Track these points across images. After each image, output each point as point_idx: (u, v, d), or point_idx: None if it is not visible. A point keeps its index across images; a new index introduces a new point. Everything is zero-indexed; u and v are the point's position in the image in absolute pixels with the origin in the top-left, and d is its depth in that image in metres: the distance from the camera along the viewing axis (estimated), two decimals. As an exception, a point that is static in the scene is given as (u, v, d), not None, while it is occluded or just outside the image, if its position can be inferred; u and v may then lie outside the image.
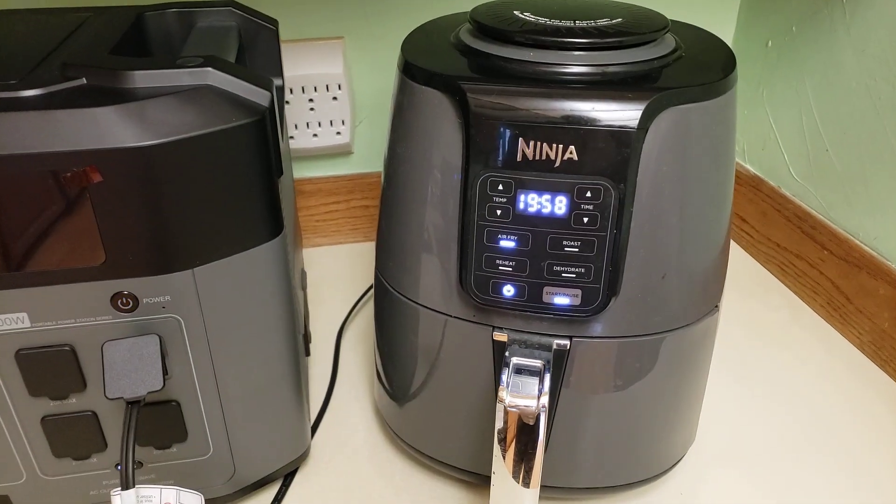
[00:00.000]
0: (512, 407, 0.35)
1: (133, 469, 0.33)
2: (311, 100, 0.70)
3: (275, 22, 0.50)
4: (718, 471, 0.49)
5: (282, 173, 0.39)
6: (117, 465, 0.41)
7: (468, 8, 0.70)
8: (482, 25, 0.39)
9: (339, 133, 0.73)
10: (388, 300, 0.43)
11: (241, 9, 0.49)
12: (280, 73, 0.53)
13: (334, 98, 0.71)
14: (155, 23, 0.47)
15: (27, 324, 0.35)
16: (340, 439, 0.52)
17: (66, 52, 0.39)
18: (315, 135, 0.72)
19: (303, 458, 0.48)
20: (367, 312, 0.66)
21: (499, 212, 0.35)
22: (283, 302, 0.41)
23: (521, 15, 0.39)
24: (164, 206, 0.34)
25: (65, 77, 0.35)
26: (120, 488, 0.33)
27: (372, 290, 0.68)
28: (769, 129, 0.72)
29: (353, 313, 0.66)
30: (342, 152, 0.75)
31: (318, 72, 0.69)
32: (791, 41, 0.68)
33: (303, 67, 0.68)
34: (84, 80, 0.35)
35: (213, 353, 0.39)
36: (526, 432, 0.35)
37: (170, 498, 0.34)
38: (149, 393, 0.35)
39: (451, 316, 0.40)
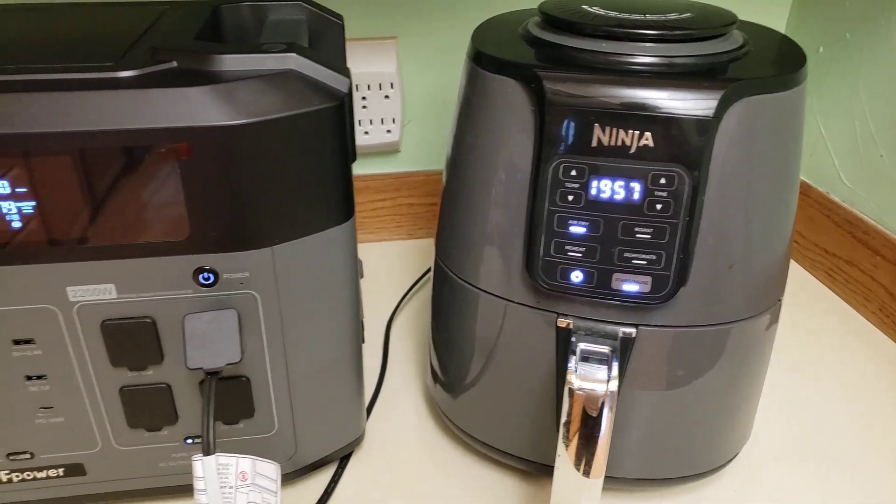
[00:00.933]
0: (580, 392, 0.36)
1: (214, 436, 0.35)
2: (363, 98, 0.72)
3: (340, 17, 0.51)
4: (772, 470, 0.49)
5: (355, 158, 0.40)
6: (186, 438, 0.43)
7: (523, 7, 0.71)
8: (553, 18, 0.40)
9: (389, 131, 0.74)
10: (449, 287, 0.44)
11: (309, 3, 0.50)
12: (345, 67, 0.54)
13: (386, 97, 0.72)
14: (230, 15, 0.49)
15: (114, 295, 0.37)
16: (392, 425, 0.53)
17: (153, 38, 0.40)
18: (366, 132, 0.74)
19: (358, 441, 0.49)
20: (414, 305, 0.67)
21: (570, 197, 0.36)
22: (350, 284, 0.42)
23: (590, 9, 0.40)
24: (248, 184, 0.35)
25: (156, 60, 0.37)
26: (201, 454, 0.34)
27: (418, 284, 0.70)
28: (818, 136, 0.72)
29: (401, 306, 0.67)
30: (390, 150, 0.77)
31: (372, 70, 0.70)
32: (845, 48, 0.68)
33: (356, 66, 0.70)
34: (175, 63, 0.36)
35: (284, 330, 0.40)
36: (593, 419, 0.36)
37: (246, 467, 0.35)
38: (227, 365, 0.36)
39: (513, 302, 0.41)
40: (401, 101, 0.73)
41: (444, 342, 0.47)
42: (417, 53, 0.72)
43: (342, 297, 0.42)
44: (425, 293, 0.69)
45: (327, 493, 0.46)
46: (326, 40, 0.51)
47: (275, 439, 0.44)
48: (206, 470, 0.34)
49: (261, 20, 0.50)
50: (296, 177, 0.36)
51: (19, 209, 0.34)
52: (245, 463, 0.35)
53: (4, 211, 0.34)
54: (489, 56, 0.39)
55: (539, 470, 0.46)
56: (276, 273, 0.38)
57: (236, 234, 0.36)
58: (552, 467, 0.45)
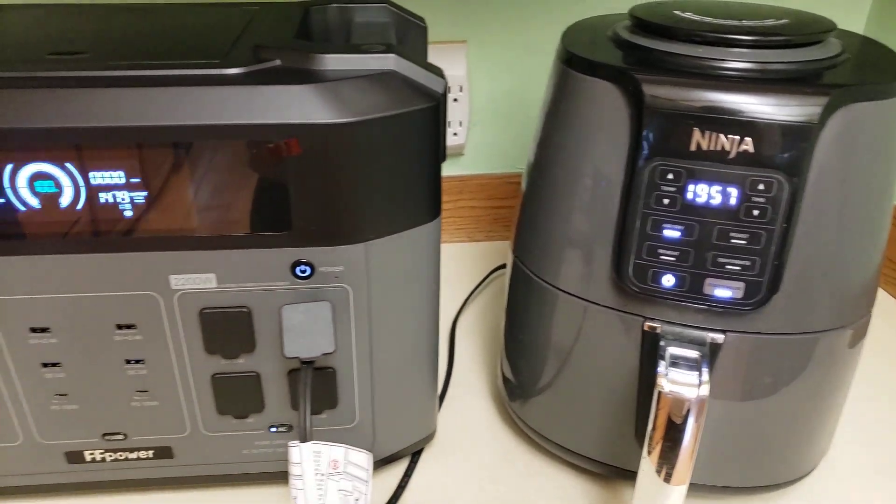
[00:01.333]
0: (671, 396, 0.36)
1: (311, 423, 0.36)
2: (432, 100, 0.72)
3: (423, 20, 0.52)
4: (849, 485, 0.48)
5: (445, 158, 0.41)
6: (271, 426, 0.44)
7: (588, 10, 0.71)
8: (646, 22, 0.40)
9: (455, 134, 0.75)
10: (529, 288, 0.45)
11: (394, 6, 0.52)
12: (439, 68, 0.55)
13: (455, 100, 0.73)
14: (318, 16, 0.50)
15: (214, 284, 0.38)
16: (461, 424, 0.53)
17: (252, 37, 0.42)
18: (433, 134, 0.74)
19: (429, 438, 0.50)
20: (476, 308, 0.68)
21: (666, 201, 0.36)
22: (433, 282, 0.43)
23: (682, 14, 0.41)
24: (349, 181, 0.36)
25: (260, 58, 0.38)
26: (298, 441, 0.35)
27: (481, 286, 0.70)
28: None
29: (465, 307, 0.68)
30: (455, 153, 0.78)
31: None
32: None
33: (427, 68, 0.71)
34: (278, 62, 0.38)
35: (372, 324, 0.41)
36: (682, 424, 0.36)
37: (337, 455, 0.36)
38: (322, 354, 0.38)
39: (597, 304, 0.41)
40: (468, 105, 0.73)
41: (519, 343, 0.48)
42: (486, 58, 0.73)
43: (425, 294, 0.43)
44: (486, 295, 0.70)
45: (402, 486, 0.47)
46: (410, 43, 0.52)
47: (354, 431, 0.45)
48: (303, 456, 0.35)
49: (346, 21, 0.51)
50: (392, 175, 0.37)
51: (132, 199, 0.36)
52: (337, 451, 0.36)
53: (118, 200, 0.36)
54: (582, 58, 0.40)
55: (613, 473, 0.46)
56: (369, 268, 0.39)
57: (334, 229, 0.38)
58: (627, 471, 0.45)
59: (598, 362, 0.43)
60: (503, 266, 0.72)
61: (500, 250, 0.77)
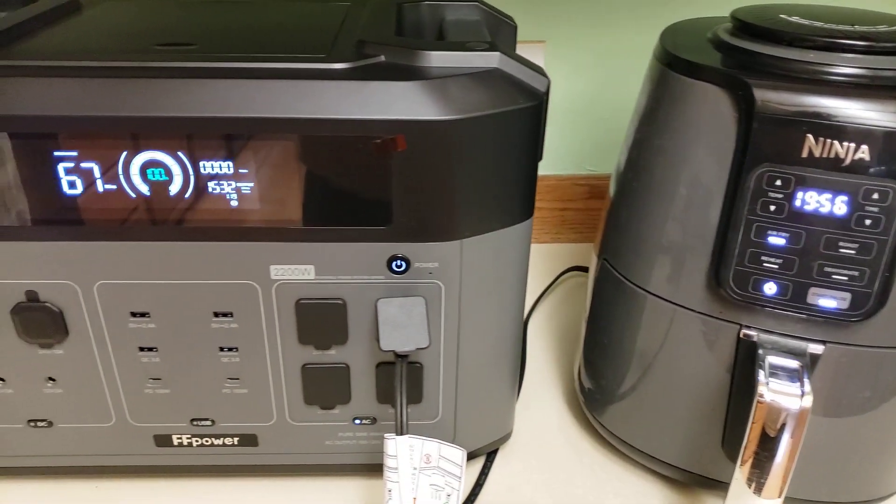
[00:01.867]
0: (772, 407, 0.35)
1: (407, 417, 0.36)
2: (504, 99, 0.73)
3: (512, 19, 0.53)
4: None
5: (542, 157, 0.41)
6: (355, 419, 0.44)
7: (674, 18, 0.70)
8: (751, 25, 0.39)
9: (525, 133, 0.75)
10: (618, 291, 0.45)
11: (485, 5, 0.52)
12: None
13: (527, 99, 0.73)
14: (410, 13, 0.51)
15: (312, 276, 0.39)
16: (535, 425, 0.53)
17: (353, 32, 0.43)
18: (504, 133, 0.75)
19: (506, 438, 0.50)
20: (545, 309, 0.68)
21: (773, 207, 0.36)
22: (521, 281, 0.43)
23: (790, 18, 0.40)
24: (451, 178, 0.37)
25: (364, 54, 0.39)
26: (394, 434, 0.36)
27: (552, 286, 0.70)
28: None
29: (535, 308, 0.68)
30: (523, 153, 0.78)
31: (516, 72, 0.71)
32: None
33: (502, 67, 0.71)
34: (382, 58, 0.38)
35: (461, 321, 0.42)
36: (780, 435, 0.36)
37: (431, 450, 0.37)
38: (416, 349, 0.38)
39: (692, 310, 0.41)
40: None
41: (602, 346, 0.48)
42: (564, 58, 0.72)
43: (513, 293, 0.43)
44: (555, 297, 0.69)
45: (479, 484, 0.48)
46: (499, 42, 0.53)
47: (436, 427, 0.45)
48: (399, 449, 0.36)
49: (438, 19, 0.52)
50: (492, 173, 0.38)
51: (238, 189, 0.37)
52: (430, 446, 0.37)
53: (225, 190, 0.37)
54: (685, 60, 0.39)
55: (695, 481, 0.46)
56: (462, 265, 0.40)
57: (432, 226, 0.38)
58: (710, 479, 0.45)
59: (686, 368, 0.43)
60: (574, 269, 0.71)
61: (568, 252, 0.76)
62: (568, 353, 0.61)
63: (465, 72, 0.37)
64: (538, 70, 0.39)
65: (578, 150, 0.77)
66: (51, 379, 0.42)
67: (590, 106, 0.75)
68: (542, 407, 0.55)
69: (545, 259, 0.77)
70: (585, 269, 0.71)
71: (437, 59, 0.38)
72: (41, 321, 0.40)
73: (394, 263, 0.39)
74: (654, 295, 0.42)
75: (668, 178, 0.40)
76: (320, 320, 0.40)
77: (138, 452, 0.46)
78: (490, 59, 0.38)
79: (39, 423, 0.44)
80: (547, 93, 0.39)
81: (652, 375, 0.44)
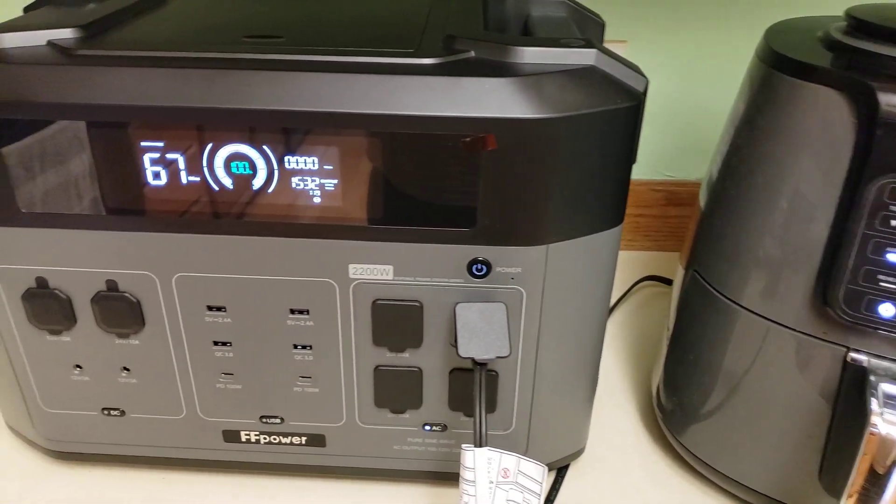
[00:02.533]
0: (886, 439, 0.33)
1: (486, 428, 0.35)
2: (581, 99, 0.71)
3: (600, 17, 0.51)
4: None
5: (635, 160, 0.39)
6: (425, 424, 0.44)
7: (762, 20, 0.67)
8: (872, 24, 0.37)
9: (601, 135, 0.73)
10: (709, 306, 0.43)
11: (573, 2, 0.50)
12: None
13: (605, 100, 0.71)
14: (494, 7, 0.50)
15: (390, 276, 0.38)
16: (609, 441, 0.51)
17: (439, 27, 0.42)
18: (579, 135, 0.73)
19: (578, 454, 0.48)
20: (618, 318, 0.66)
21: (894, 223, 0.33)
22: (606, 291, 0.42)
23: (913, 18, 0.37)
24: (541, 180, 0.35)
25: (453, 49, 0.38)
26: (472, 445, 0.35)
27: (626, 295, 0.68)
28: None
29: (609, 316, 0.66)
30: (598, 156, 0.76)
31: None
32: None
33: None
34: (472, 53, 0.37)
35: (541, 329, 0.40)
36: (893, 471, 0.33)
37: (509, 464, 0.35)
38: (497, 357, 0.37)
39: (793, 329, 0.38)
40: (619, 106, 0.71)
41: (686, 362, 0.46)
42: (643, 59, 0.70)
43: (597, 303, 0.42)
44: (628, 307, 0.67)
45: (549, 500, 0.46)
46: (584, 38, 0.51)
47: (508, 439, 0.44)
48: (477, 461, 0.34)
49: (523, 15, 0.50)
50: (584, 176, 0.36)
51: (322, 185, 0.36)
52: (509, 460, 0.35)
53: (308, 186, 0.36)
54: (795, 61, 0.37)
55: (785, 512, 0.43)
56: (546, 271, 0.38)
57: (518, 229, 0.37)
58: (801, 512, 0.42)
59: (780, 390, 0.40)
60: (649, 278, 0.69)
61: (642, 261, 0.74)
62: (643, 366, 0.59)
63: (560, 69, 0.36)
64: (635, 69, 0.38)
65: (656, 154, 0.75)
66: (125, 369, 0.43)
67: (670, 109, 0.73)
68: (616, 422, 0.53)
69: (618, 267, 0.74)
70: (661, 279, 0.69)
71: (531, 55, 0.36)
72: (120, 311, 0.40)
73: (474, 267, 0.38)
74: (749, 310, 0.40)
75: (770, 186, 0.38)
76: (396, 322, 0.40)
77: (206, 447, 0.46)
78: (586, 57, 0.36)
79: (112, 412, 0.44)
80: (645, 92, 0.37)
81: (741, 396, 0.42)
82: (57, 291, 0.40)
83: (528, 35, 0.47)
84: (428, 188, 0.36)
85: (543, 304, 0.39)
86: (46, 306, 0.40)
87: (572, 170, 0.36)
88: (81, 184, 0.37)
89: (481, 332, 0.37)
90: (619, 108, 0.35)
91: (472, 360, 0.37)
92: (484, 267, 0.38)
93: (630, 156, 0.38)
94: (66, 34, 0.39)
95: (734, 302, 0.41)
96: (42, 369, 0.43)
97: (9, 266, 0.39)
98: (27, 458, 0.49)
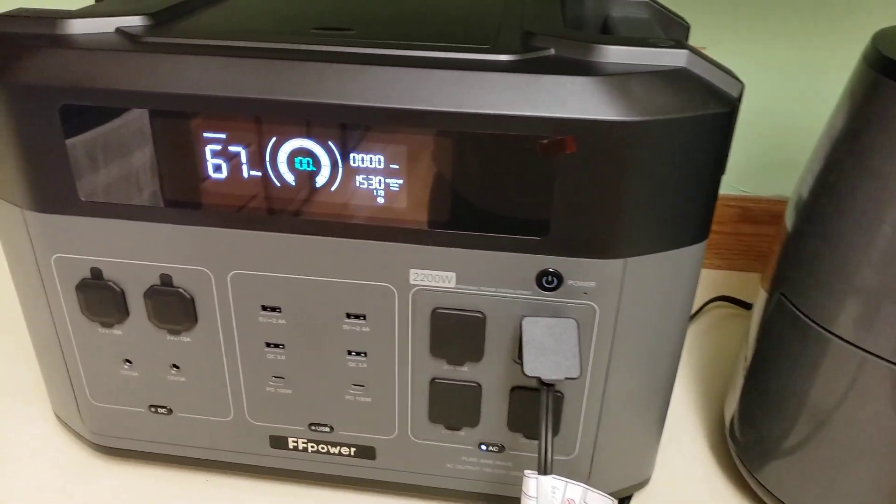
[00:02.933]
0: None
1: (551, 455, 0.33)
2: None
3: (684, 20, 0.48)
4: None
5: (724, 171, 0.36)
6: (481, 444, 0.41)
7: (853, 31, 0.63)
8: None
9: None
10: (795, 331, 0.39)
11: (656, 3, 0.48)
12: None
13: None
14: (572, 5, 0.48)
15: (452, 284, 0.37)
16: (676, 472, 0.48)
17: (515, 23, 0.40)
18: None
19: (643, 484, 0.46)
20: (689, 337, 0.62)
21: None
22: (685, 311, 0.39)
23: None
24: (622, 187, 0.33)
25: (531, 46, 0.36)
26: (535, 472, 0.33)
27: (696, 315, 0.64)
28: None
29: (672, 339, 0.63)
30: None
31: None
32: None
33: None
34: (552, 51, 0.35)
35: (613, 349, 0.38)
36: None
37: (575, 495, 0.33)
38: (565, 379, 0.34)
39: (891, 363, 0.35)
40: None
41: (767, 392, 0.42)
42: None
43: (675, 324, 0.39)
44: (699, 328, 0.64)
45: (610, 533, 0.43)
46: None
47: (570, 464, 0.42)
48: (541, 490, 0.32)
49: (601, 14, 0.48)
50: (669, 185, 0.34)
51: (387, 185, 0.35)
52: (575, 490, 0.33)
53: (373, 186, 0.35)
54: (911, 70, 0.34)
55: (872, 565, 0.39)
56: (623, 287, 0.36)
57: (594, 240, 0.34)
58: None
59: (877, 429, 0.37)
60: (721, 299, 0.65)
61: (712, 280, 0.70)
62: (714, 392, 0.56)
63: (647, 70, 0.33)
64: (729, 72, 0.35)
65: (730, 167, 0.71)
66: (175, 366, 0.42)
67: (746, 120, 0.69)
68: (684, 452, 0.50)
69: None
70: (733, 300, 0.65)
71: (616, 54, 0.34)
72: (173, 306, 0.39)
73: (544, 279, 0.36)
74: (842, 339, 0.37)
75: (875, 206, 0.35)
76: (456, 333, 0.38)
77: (252, 451, 0.44)
78: (677, 58, 0.34)
79: (160, 410, 0.44)
80: (740, 98, 0.34)
81: (831, 432, 0.39)
82: (111, 283, 0.39)
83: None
84: (498, 192, 0.34)
85: (618, 322, 0.37)
86: (99, 298, 0.40)
87: (657, 179, 0.33)
88: (141, 174, 0.36)
89: (549, 350, 0.35)
90: (711, 114, 0.33)
91: (538, 379, 0.34)
92: (555, 279, 0.36)
93: (720, 166, 0.35)
94: (134, 21, 0.38)
95: (826, 329, 0.37)
96: (92, 362, 0.43)
97: (65, 255, 0.39)
98: (73, 448, 0.49)
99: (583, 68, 0.33)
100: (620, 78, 0.32)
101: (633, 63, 0.34)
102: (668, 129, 0.32)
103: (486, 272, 0.36)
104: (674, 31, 0.47)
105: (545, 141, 0.32)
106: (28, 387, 0.54)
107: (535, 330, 0.35)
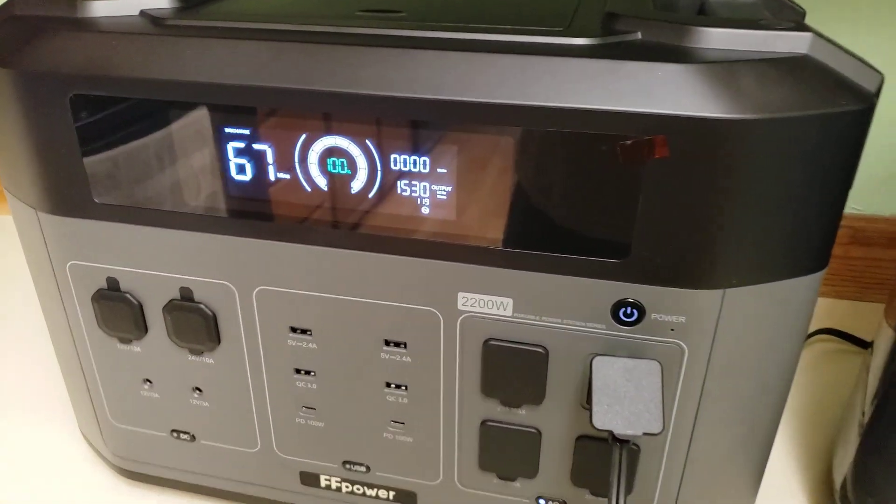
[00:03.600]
0: None
1: (624, 528, 0.27)
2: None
3: (799, 6, 0.41)
4: None
5: (851, 185, 0.30)
6: (539, 497, 0.36)
7: None
8: None
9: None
10: (932, 385, 0.32)
11: (764, -15, 0.41)
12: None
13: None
14: (661, -12, 0.42)
15: (509, 312, 0.31)
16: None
17: (596, 4, 0.34)
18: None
19: (731, 552, 0.39)
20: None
21: None
22: (793, 354, 0.32)
23: None
24: (724, 201, 0.27)
25: (613, 29, 0.30)
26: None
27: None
28: None
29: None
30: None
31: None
32: None
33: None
34: (639, 34, 0.29)
35: (703, 398, 0.31)
36: None
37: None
38: (644, 434, 0.28)
39: None
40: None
41: (892, 450, 0.35)
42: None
43: (779, 369, 0.32)
44: (800, 365, 0.56)
45: None
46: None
47: (644, 528, 0.35)
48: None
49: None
50: (783, 200, 0.27)
51: (433, 192, 0.29)
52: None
53: (417, 192, 0.30)
54: None
55: None
56: (720, 323, 0.29)
57: (686, 266, 0.28)
58: None
59: None
60: (826, 331, 0.57)
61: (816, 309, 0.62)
62: (818, 444, 0.48)
63: (759, 57, 0.27)
64: (864, 62, 0.28)
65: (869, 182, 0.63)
66: (197, 389, 0.38)
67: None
68: (781, 510, 0.43)
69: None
70: (843, 335, 0.57)
71: (720, 38, 0.28)
72: (193, 324, 0.35)
73: (622, 311, 0.30)
74: None
75: None
76: (512, 370, 0.32)
77: (280, 487, 0.40)
78: (798, 43, 0.27)
79: (182, 435, 0.40)
80: (877, 94, 0.28)
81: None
82: (128, 295, 0.36)
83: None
84: (569, 204, 0.28)
85: (710, 365, 0.30)
86: (116, 311, 0.36)
87: (768, 192, 0.27)
88: (159, 175, 0.32)
89: (625, 398, 0.29)
90: (840, 112, 0.26)
91: (610, 433, 0.28)
92: (635, 311, 0.30)
93: (848, 178, 0.28)
94: (161, 3, 0.35)
95: (981, 388, 0.30)
96: (111, 379, 0.39)
97: (80, 262, 0.35)
98: (98, 469, 0.46)
99: (677, 55, 0.27)
100: (725, 66, 0.26)
101: (742, 49, 0.28)
102: (784, 129, 0.26)
103: (550, 300, 0.30)
104: (785, 15, 0.41)
105: (629, 142, 0.26)
106: (60, 402, 0.51)
107: (609, 373, 0.30)
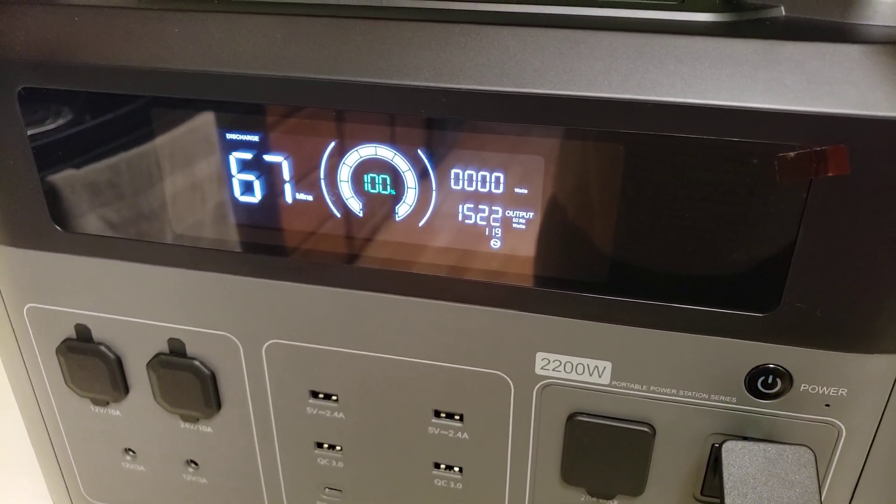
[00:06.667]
0: None
1: None
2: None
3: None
4: None
5: None
6: None
7: None
8: None
9: None
10: None
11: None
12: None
13: None
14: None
15: (605, 380, 0.25)
16: None
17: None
18: None
19: None
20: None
21: None
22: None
23: None
24: (919, 235, 0.20)
25: (744, 5, 0.23)
26: None
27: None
28: None
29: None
30: None
31: None
32: None
33: None
34: (782, 10, 0.23)
35: (858, 490, 0.25)
36: None
37: None
38: (801, 553, 0.22)
39: None
40: None
41: None
42: None
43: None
44: None
45: None
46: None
47: None
48: None
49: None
50: None
51: (507, 220, 0.23)
52: None
53: (485, 221, 0.23)
54: None
55: None
56: (891, 399, 0.23)
57: (856, 322, 0.22)
58: None
59: None
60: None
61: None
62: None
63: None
64: None
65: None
66: (192, 462, 0.32)
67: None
68: None
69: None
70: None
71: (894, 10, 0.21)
72: (186, 384, 0.29)
73: (761, 379, 0.23)
74: None
75: None
76: (605, 453, 0.26)
77: (294, 582, 0.34)
78: None
79: (173, 519, 0.33)
80: None
81: None
82: (102, 347, 0.29)
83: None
84: (698, 237, 0.22)
85: (872, 452, 0.24)
86: (88, 366, 0.30)
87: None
88: (140, 196, 0.26)
89: (766, 496, 0.22)
90: None
91: (750, 547, 0.22)
92: (778, 381, 0.23)
93: None
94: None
95: None
96: (84, 449, 0.33)
97: (40, 305, 0.29)
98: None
99: (843, 34, 0.21)
100: (927, 48, 0.20)
101: (932, 25, 0.21)
102: None
103: (662, 365, 0.24)
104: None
105: (790, 154, 0.20)
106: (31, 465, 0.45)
107: (744, 462, 0.23)
